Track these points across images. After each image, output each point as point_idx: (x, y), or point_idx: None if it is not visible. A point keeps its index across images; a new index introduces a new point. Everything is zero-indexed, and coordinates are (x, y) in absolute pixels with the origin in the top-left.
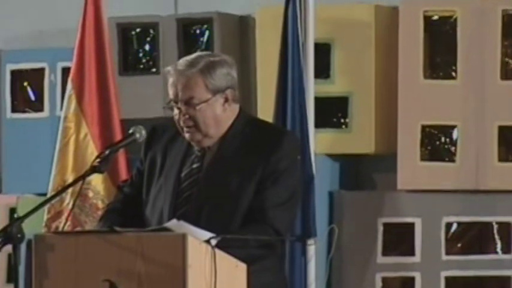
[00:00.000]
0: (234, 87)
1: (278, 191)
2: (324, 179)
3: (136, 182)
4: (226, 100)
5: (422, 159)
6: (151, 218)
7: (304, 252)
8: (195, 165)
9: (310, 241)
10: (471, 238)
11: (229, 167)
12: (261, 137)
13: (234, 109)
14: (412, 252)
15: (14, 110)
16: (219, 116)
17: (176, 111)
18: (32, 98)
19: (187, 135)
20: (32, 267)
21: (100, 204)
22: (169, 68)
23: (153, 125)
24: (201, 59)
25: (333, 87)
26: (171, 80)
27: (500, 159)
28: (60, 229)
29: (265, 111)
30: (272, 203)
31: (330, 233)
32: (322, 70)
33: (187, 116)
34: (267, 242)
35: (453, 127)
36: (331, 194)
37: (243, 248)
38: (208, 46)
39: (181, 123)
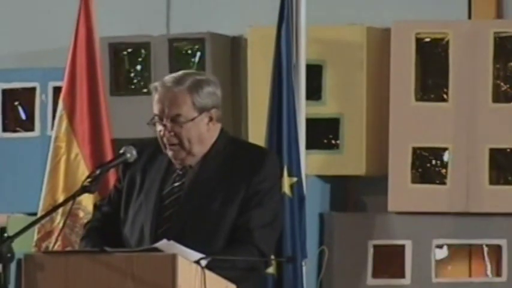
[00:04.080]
0: (218, 106)
1: (263, 212)
2: (315, 200)
3: (114, 200)
4: (210, 119)
5: (413, 181)
6: (131, 236)
7: (294, 274)
8: (176, 184)
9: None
10: (461, 261)
11: (211, 186)
12: (243, 156)
13: (216, 128)
14: (402, 275)
15: (4, 129)
16: (203, 134)
17: (160, 127)
18: (23, 117)
19: (170, 153)
20: (22, 287)
21: None
22: (156, 84)
23: (132, 144)
24: (188, 77)
25: (324, 109)
26: (157, 96)
27: (491, 182)
28: (50, 249)
29: (256, 131)
30: (257, 224)
31: (320, 255)
32: (314, 91)
33: (172, 133)
34: (252, 264)
35: (444, 149)
36: (321, 216)
37: (230, 269)
38: (200, 66)
39: (165, 140)
